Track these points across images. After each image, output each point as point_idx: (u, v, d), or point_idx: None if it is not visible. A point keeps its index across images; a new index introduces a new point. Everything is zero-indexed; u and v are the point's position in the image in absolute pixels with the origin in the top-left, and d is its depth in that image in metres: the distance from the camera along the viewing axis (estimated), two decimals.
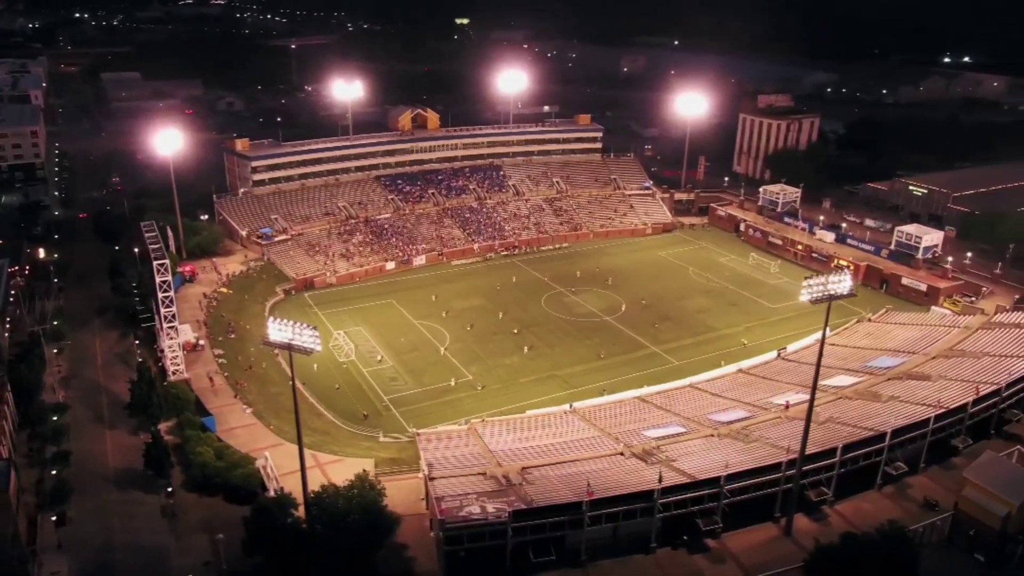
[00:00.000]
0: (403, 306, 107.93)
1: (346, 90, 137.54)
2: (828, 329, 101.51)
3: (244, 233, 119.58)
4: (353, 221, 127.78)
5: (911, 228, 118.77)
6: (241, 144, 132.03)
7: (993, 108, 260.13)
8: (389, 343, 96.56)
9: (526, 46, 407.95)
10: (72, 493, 61.54)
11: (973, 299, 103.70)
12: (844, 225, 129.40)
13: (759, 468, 59.23)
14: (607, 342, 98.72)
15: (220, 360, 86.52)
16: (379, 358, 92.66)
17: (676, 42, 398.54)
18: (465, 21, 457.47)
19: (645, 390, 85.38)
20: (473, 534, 53.40)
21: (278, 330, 53.03)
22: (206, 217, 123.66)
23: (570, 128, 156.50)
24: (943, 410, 66.65)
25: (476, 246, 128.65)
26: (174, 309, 77.50)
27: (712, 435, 69.95)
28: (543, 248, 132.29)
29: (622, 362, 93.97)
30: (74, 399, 78.22)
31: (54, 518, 59.15)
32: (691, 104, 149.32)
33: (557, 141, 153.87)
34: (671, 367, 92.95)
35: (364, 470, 61.42)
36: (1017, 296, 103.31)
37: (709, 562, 56.85)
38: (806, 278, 57.34)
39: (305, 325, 52.94)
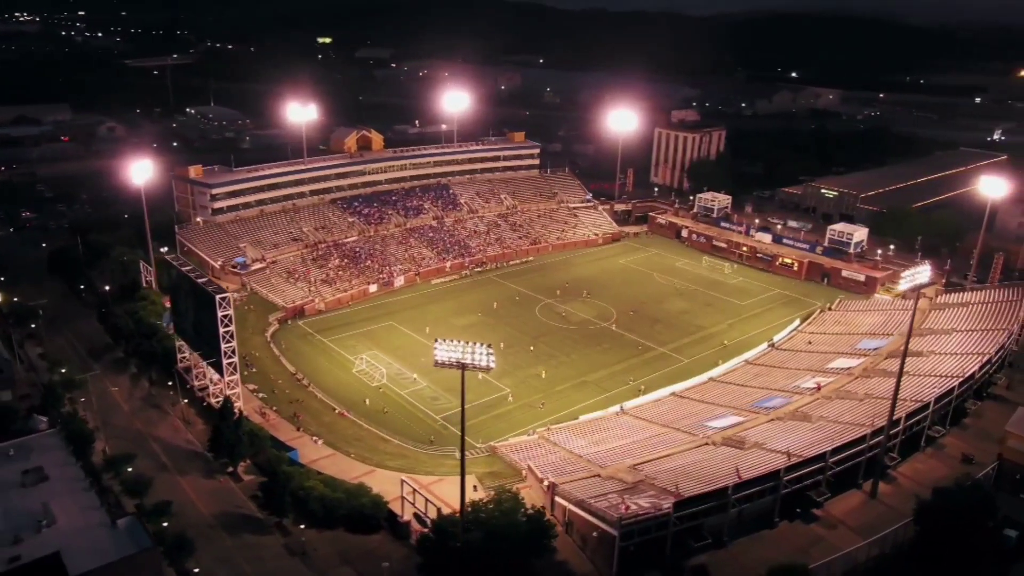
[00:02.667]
0: (405, 327, 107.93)
1: (300, 113, 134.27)
2: (798, 320, 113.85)
3: (218, 264, 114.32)
4: (324, 246, 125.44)
5: (840, 226, 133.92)
6: (194, 171, 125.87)
7: (834, 118, 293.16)
8: (412, 364, 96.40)
9: (394, 65, 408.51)
10: (193, 546, 58.28)
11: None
12: (779, 227, 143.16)
13: (852, 441, 66.88)
14: (616, 347, 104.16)
15: (260, 395, 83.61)
16: (414, 377, 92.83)
17: (541, 60, 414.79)
18: (328, 40, 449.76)
19: (675, 387, 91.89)
20: (642, 528, 56.80)
21: (447, 351, 54.00)
22: (166, 249, 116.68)
23: (510, 145, 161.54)
24: (963, 378, 77.87)
25: (448, 264, 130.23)
26: (234, 344, 74.53)
27: (774, 419, 77.31)
28: (511, 263, 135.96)
29: (638, 364, 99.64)
30: (123, 449, 72.87)
31: (195, 571, 56.00)
32: (621, 120, 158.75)
33: (499, 159, 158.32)
34: (682, 365, 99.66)
35: (487, 485, 62.97)
36: (943, 280, 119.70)
37: (824, 529, 63.45)
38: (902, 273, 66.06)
39: (477, 343, 54.29)
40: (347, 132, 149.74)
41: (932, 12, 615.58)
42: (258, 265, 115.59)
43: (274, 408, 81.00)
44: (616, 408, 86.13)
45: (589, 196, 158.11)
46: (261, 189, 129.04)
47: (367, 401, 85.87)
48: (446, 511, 61.40)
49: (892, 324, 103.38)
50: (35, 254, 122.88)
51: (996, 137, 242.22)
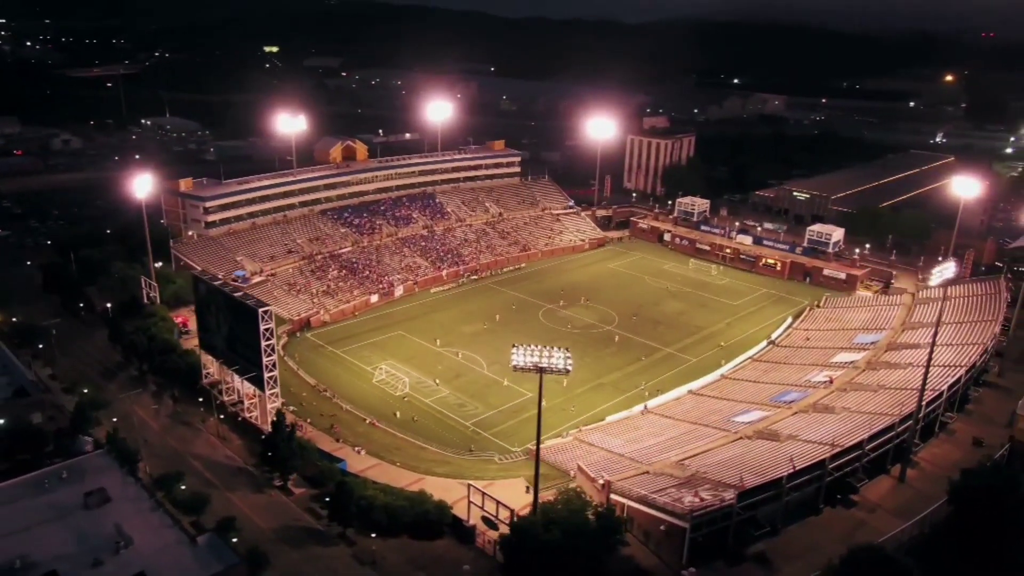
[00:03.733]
0: (415, 336, 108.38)
1: (290, 124, 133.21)
2: (790, 318, 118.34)
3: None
4: (320, 257, 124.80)
5: (818, 227, 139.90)
6: (184, 184, 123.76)
7: (784, 123, 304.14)
8: (430, 372, 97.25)
9: (345, 74, 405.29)
10: (268, 560, 58.12)
11: (893, 283, 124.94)
12: (759, 229, 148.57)
13: (883, 429, 70.88)
14: (623, 349, 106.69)
15: (291, 408, 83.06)
16: (435, 384, 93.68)
17: (492, 68, 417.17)
18: (274, 49, 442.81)
19: (690, 386, 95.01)
20: (710, 520, 59.28)
21: (525, 355, 55.46)
22: (159, 264, 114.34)
23: (491, 154, 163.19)
24: (968, 367, 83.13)
25: (444, 273, 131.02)
26: (274, 358, 74.27)
27: (798, 413, 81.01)
28: (504, 270, 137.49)
29: (649, 364, 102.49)
30: (163, 467, 71.69)
31: None
32: (598, 127, 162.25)
33: (481, 167, 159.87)
34: (691, 364, 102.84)
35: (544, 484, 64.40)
36: (921, 276, 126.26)
37: (865, 512, 67.19)
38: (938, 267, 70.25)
39: (554, 348, 55.88)
40: (332, 142, 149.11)
41: (853, 19, 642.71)
42: (258, 278, 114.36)
43: (308, 420, 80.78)
44: (640, 407, 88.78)
45: (571, 203, 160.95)
46: (253, 201, 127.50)
47: (397, 414, 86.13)
48: (507, 514, 62.61)
49: (882, 319, 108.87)
50: (17, 272, 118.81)
51: (938, 140, 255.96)
